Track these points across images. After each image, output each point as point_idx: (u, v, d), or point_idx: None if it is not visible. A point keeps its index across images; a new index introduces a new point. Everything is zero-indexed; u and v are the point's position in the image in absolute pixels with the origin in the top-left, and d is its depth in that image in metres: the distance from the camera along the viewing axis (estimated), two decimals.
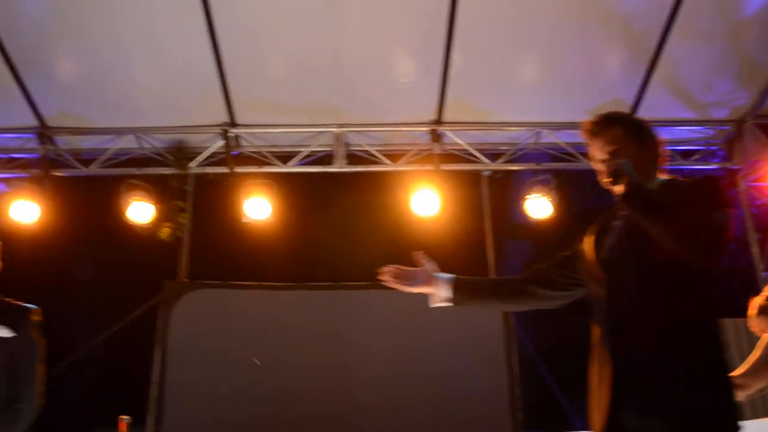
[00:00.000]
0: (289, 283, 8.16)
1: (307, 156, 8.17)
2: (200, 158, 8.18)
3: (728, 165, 8.20)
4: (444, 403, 7.52)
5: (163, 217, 8.22)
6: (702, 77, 7.55)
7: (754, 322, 4.35)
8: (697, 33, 7.09)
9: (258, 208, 7.88)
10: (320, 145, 8.15)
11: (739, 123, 7.97)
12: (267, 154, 8.22)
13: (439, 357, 7.71)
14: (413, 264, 3.41)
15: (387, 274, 3.36)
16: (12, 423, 3.73)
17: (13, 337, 3.74)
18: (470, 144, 8.11)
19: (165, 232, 8.29)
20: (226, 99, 7.69)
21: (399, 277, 3.37)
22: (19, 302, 3.93)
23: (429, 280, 3.36)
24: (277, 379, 7.71)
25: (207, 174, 8.29)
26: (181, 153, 8.21)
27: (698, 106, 7.83)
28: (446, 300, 3.35)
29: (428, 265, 3.40)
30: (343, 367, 7.74)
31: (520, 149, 8.15)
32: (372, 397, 7.63)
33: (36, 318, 3.89)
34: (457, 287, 3.34)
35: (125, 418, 5.97)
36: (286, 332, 7.91)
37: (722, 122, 8.06)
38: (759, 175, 8.01)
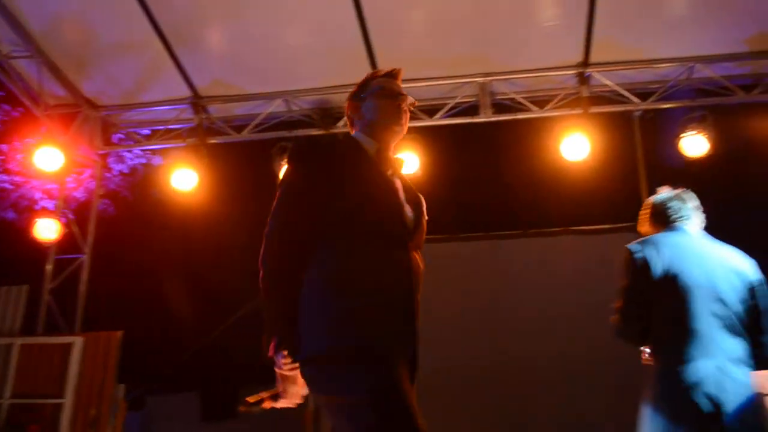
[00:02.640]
0: (442, 236, 8.21)
1: (453, 108, 8.14)
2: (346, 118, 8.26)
3: None
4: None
5: None
6: None
7: None
8: None
9: (408, 163, 7.90)
10: (465, 96, 8.09)
11: None
12: (413, 109, 8.21)
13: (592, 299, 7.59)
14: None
15: None
16: None
17: None
18: (619, 84, 7.88)
19: None
20: (369, 56, 7.72)
21: None
22: None
23: None
24: (441, 331, 7.78)
25: None
26: (328, 113, 8.35)
27: None
28: None
29: None
30: (500, 317, 7.75)
31: (672, 86, 7.86)
32: (521, 349, 7.59)
33: None
34: None
35: None
36: (442, 284, 7.97)
37: None
38: None
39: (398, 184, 2.99)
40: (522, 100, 8.04)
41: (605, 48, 7.56)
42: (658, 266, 3.77)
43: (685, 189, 4.15)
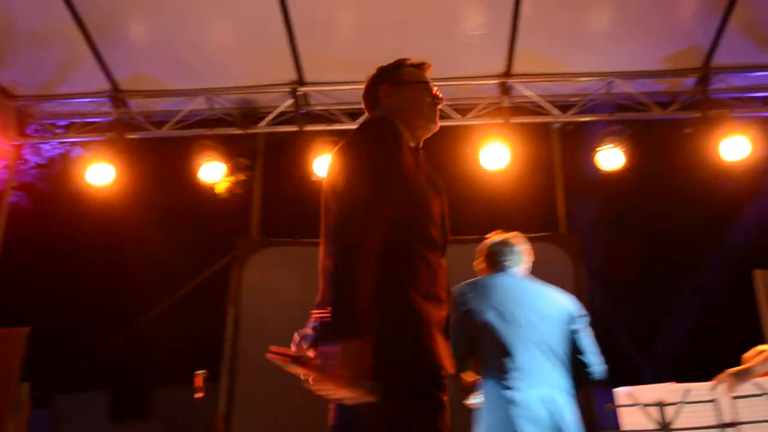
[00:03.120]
0: None
1: None
2: (269, 118, 8.21)
3: None
4: None
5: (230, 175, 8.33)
6: None
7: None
8: None
9: (325, 165, 7.89)
10: None
11: None
12: (336, 112, 8.23)
13: None
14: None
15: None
16: None
17: None
18: (540, 96, 7.98)
19: (222, 186, 8.40)
20: (294, 57, 7.68)
21: None
22: None
23: None
24: None
25: (276, 133, 8.36)
26: (251, 113, 8.27)
27: None
28: None
29: None
30: None
31: (591, 100, 8.00)
32: None
33: None
34: None
35: (201, 373, 6.09)
36: None
37: None
38: None
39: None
40: (444, 107, 8.06)
41: (527, 60, 7.66)
42: (483, 306, 4.03)
43: (516, 234, 4.50)
